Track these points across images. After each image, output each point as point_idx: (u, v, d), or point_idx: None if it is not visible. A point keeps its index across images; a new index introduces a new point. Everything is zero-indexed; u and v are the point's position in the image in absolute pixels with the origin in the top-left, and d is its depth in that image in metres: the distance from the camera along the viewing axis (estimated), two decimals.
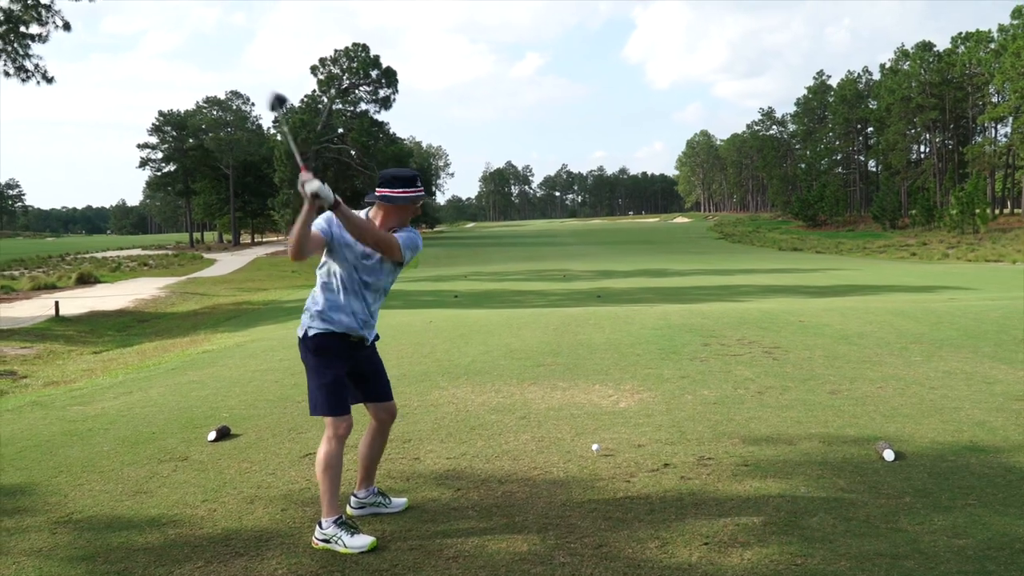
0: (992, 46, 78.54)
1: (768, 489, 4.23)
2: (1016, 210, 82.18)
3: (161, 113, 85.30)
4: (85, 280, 36.60)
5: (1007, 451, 4.81)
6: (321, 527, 3.64)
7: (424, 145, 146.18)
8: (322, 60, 76.61)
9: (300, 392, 7.13)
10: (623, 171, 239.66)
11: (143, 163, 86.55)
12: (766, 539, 3.58)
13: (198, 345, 13.53)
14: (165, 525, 3.95)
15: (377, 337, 4.03)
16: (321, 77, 76.42)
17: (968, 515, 3.80)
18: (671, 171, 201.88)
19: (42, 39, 28.67)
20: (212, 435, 5.53)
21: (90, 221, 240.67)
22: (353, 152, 74.53)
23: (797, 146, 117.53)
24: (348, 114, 77.39)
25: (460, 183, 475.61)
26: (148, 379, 8.81)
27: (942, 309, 12.40)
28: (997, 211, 77.68)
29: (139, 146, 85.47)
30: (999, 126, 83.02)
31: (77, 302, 26.13)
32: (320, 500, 3.71)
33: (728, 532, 3.67)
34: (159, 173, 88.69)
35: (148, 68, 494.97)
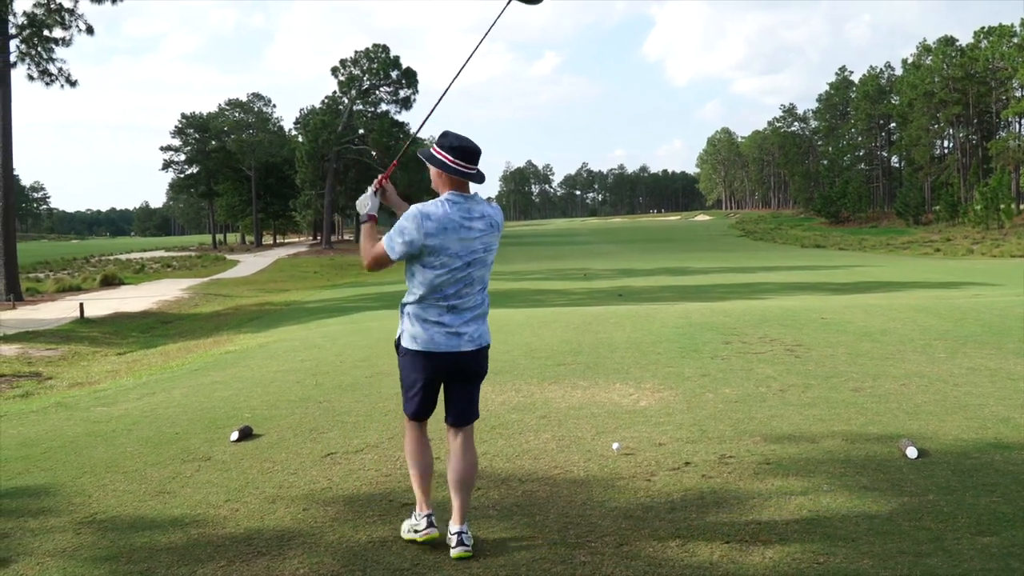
0: (1015, 40, 77.44)
1: (790, 487, 4.20)
2: None
3: (183, 115, 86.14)
4: (109, 282, 36.99)
5: None
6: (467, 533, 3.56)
7: None
8: (342, 61, 77.01)
9: (321, 392, 7.18)
10: (643, 169, 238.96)
11: (166, 165, 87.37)
12: (788, 538, 3.56)
13: (221, 346, 13.65)
14: (188, 525, 3.98)
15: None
16: (342, 78, 76.80)
17: (993, 513, 3.75)
18: (692, 169, 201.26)
19: (65, 43, 29.03)
20: (234, 435, 5.57)
21: (114, 223, 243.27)
22: (374, 153, 74.75)
23: (819, 142, 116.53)
24: (369, 115, 77.72)
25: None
26: (171, 380, 8.89)
27: (966, 305, 12.26)
28: (1022, 206, 76.61)
29: (162, 148, 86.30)
30: (1023, 120, 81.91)
31: (101, 304, 26.42)
32: (464, 509, 3.59)
33: (750, 531, 3.65)
34: (182, 175, 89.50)
35: (169, 70, 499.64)
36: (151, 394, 7.90)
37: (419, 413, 3.67)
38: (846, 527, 3.66)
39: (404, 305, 3.59)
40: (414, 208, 3.43)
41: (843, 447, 4.90)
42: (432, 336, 3.49)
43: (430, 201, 3.48)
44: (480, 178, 3.52)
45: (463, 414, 3.66)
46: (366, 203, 3.78)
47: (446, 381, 3.62)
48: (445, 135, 3.51)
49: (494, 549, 3.55)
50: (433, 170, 3.52)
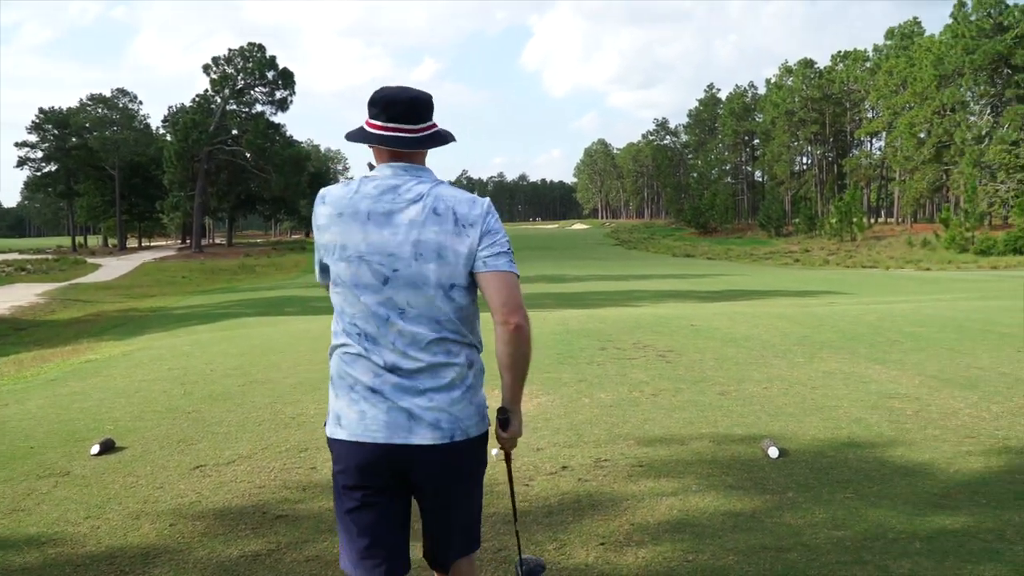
0: (868, 64, 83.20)
1: (662, 488, 4.34)
2: (889, 219, 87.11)
3: (41, 110, 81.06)
4: None
5: (881, 446, 5.09)
6: None
7: (323, 149, 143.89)
8: (215, 59, 74.51)
9: (189, 402, 6.90)
10: (523, 177, 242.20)
11: (21, 162, 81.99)
12: (659, 537, 3.68)
13: (80, 354, 12.91)
14: (45, 544, 3.76)
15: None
16: (214, 76, 74.21)
17: (847, 508, 4.00)
18: (569, 178, 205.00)
19: None
20: (95, 448, 5.29)
21: None
22: (248, 155, 72.61)
23: (690, 156, 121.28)
24: (243, 115, 75.38)
25: None
26: (25, 391, 8.35)
27: (823, 313, 13.01)
28: (872, 220, 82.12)
29: (17, 144, 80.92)
30: (874, 140, 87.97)
31: None
32: None
33: (623, 532, 3.75)
34: (39, 173, 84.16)
35: (24, 62, 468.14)
36: (3, 406, 7.39)
37: (362, 567, 2.19)
38: (713, 525, 3.82)
39: (330, 356, 2.26)
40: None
41: (710, 448, 5.11)
42: (363, 413, 2.12)
43: None
44: (414, 141, 2.20)
45: (439, 543, 2.31)
46: None
47: (415, 493, 2.26)
48: None
49: None
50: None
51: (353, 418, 2.13)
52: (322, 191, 2.23)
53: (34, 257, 64.62)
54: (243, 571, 3.42)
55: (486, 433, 2.28)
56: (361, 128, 2.24)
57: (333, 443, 2.19)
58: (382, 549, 2.19)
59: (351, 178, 2.25)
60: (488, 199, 2.26)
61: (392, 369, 2.11)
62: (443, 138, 2.25)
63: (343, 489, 2.20)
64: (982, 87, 66.95)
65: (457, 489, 2.24)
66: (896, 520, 3.83)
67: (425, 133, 2.21)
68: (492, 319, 2.21)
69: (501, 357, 2.25)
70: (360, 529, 2.18)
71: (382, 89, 2.23)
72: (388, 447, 2.11)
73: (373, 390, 2.11)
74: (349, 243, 2.13)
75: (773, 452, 4.86)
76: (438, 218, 2.15)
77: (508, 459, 2.60)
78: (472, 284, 2.19)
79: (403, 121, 2.18)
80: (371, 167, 2.29)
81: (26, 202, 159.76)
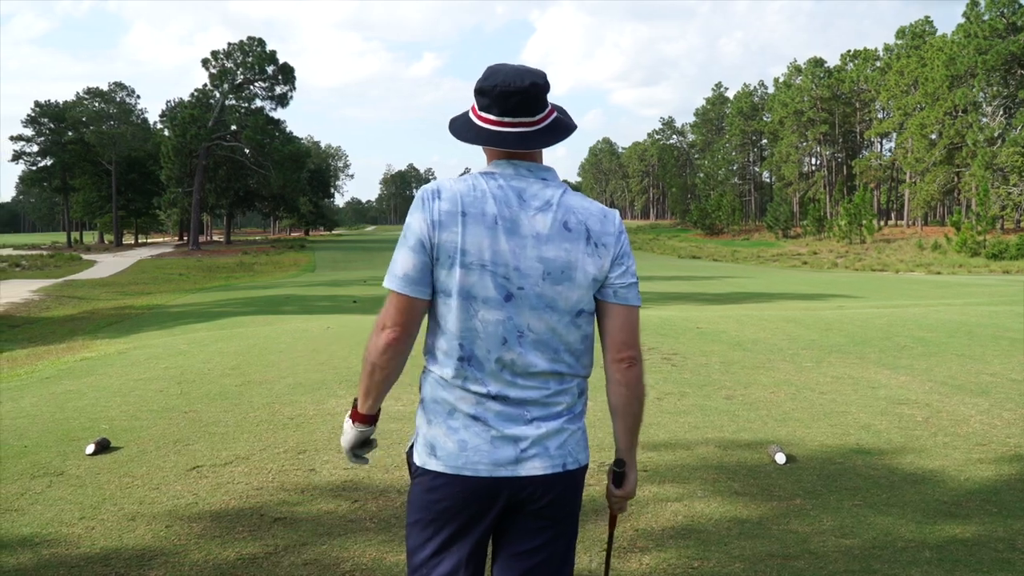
0: (878, 64, 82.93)
1: (666, 494, 4.28)
2: (899, 221, 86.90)
3: (37, 104, 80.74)
4: None
5: (890, 453, 5.02)
6: None
7: (323, 145, 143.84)
8: (214, 53, 74.04)
9: (186, 402, 6.82)
10: None
11: (16, 157, 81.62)
12: (664, 544, 3.62)
13: (75, 352, 12.84)
14: (39, 545, 3.70)
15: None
16: (213, 71, 73.91)
17: (855, 516, 3.94)
18: (574, 177, 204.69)
19: None
20: (90, 448, 5.21)
21: None
22: (247, 151, 72.47)
23: (696, 156, 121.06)
24: (242, 111, 75.09)
25: (360, 185, 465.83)
26: (20, 388, 8.27)
27: (831, 316, 12.92)
28: (882, 222, 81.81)
29: (12, 138, 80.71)
30: (884, 141, 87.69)
31: None
32: None
33: (627, 538, 3.69)
34: (34, 168, 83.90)
35: (17, 54, 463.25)
36: None
37: None
38: (719, 532, 3.75)
39: (422, 377, 2.06)
40: (422, 189, 1.98)
41: (716, 453, 5.04)
42: (464, 443, 1.91)
43: None
44: (537, 139, 1.95)
45: None
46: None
47: (498, 529, 1.99)
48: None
49: (372, 563, 3.45)
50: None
51: (451, 448, 1.91)
52: (431, 185, 1.95)
53: (29, 253, 64.16)
54: (240, 574, 3.36)
55: (588, 465, 2.06)
56: (469, 120, 1.98)
57: (425, 474, 1.94)
58: None
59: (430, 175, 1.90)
60: (618, 212, 2.02)
61: (496, 397, 1.90)
62: (566, 129, 1.99)
63: (428, 523, 1.93)
64: (995, 88, 66.25)
65: (563, 520, 1.98)
66: (905, 528, 3.77)
67: (546, 123, 1.96)
68: (604, 355, 2.05)
69: (617, 400, 2.08)
70: (441, 567, 1.94)
71: (493, 74, 1.94)
72: (492, 481, 1.89)
73: (475, 418, 1.90)
74: (471, 248, 1.87)
75: (780, 458, 4.79)
76: (569, 234, 1.92)
77: (613, 523, 2.27)
78: (595, 309, 2.01)
79: (522, 113, 1.92)
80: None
81: (21, 197, 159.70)
